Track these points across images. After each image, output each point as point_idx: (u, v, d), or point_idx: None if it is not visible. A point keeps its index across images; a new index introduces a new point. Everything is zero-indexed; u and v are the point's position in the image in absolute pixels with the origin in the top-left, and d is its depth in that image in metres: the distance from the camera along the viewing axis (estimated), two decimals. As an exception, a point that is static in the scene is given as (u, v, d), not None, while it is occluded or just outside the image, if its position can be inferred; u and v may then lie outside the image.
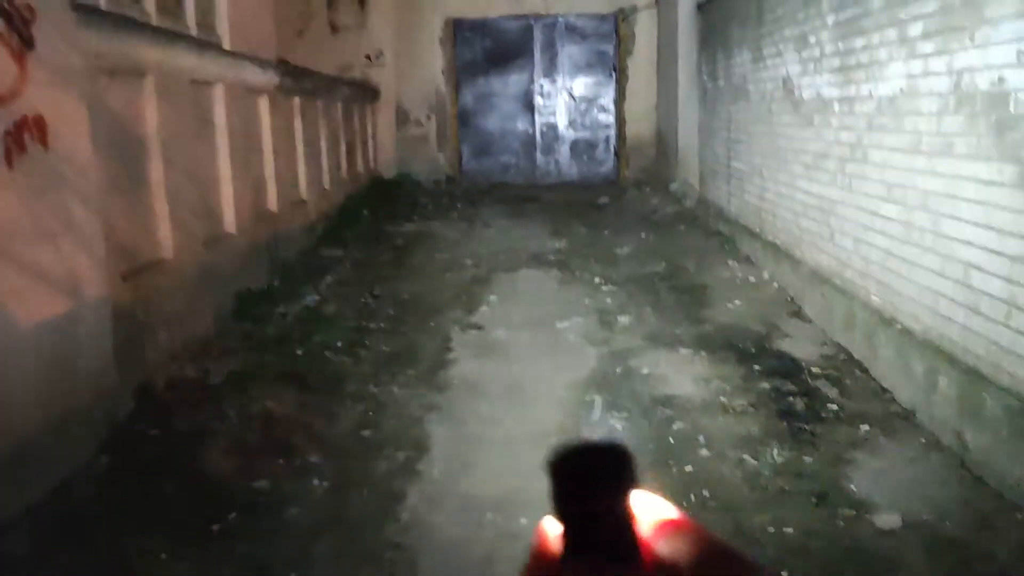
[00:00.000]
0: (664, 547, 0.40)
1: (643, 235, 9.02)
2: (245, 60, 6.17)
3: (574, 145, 13.65)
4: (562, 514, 0.41)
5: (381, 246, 8.80)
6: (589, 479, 0.40)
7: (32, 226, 3.39)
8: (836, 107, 5.34)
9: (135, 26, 4.49)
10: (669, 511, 0.42)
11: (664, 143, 12.28)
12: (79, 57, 3.82)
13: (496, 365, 5.05)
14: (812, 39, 5.82)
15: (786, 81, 6.46)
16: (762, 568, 0.39)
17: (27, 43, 3.40)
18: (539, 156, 13.70)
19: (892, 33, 4.45)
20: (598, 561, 0.41)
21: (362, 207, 10.25)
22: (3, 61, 3.24)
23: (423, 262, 8.03)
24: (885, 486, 3.47)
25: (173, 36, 4.97)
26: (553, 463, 0.41)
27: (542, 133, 13.63)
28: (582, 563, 0.41)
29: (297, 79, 7.74)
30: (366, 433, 4.09)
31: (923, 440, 3.85)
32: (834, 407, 4.22)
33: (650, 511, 0.42)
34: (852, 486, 3.47)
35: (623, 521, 0.41)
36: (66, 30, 3.68)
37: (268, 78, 6.74)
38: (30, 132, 3.41)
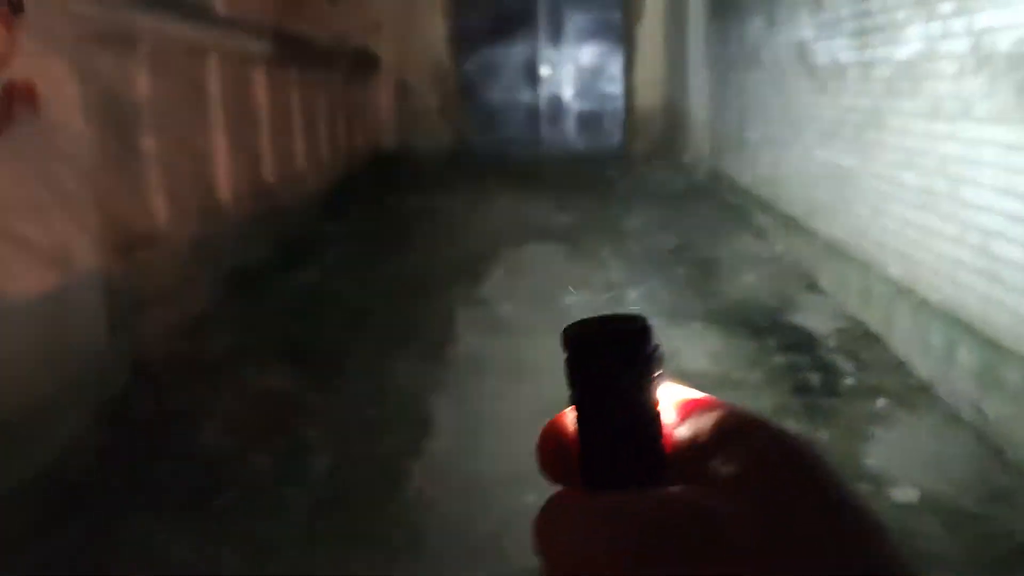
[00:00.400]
0: (685, 429, 0.36)
1: (652, 208, 8.88)
2: (240, 29, 6.02)
3: (580, 116, 13.45)
4: (579, 388, 0.36)
5: (382, 220, 8.68)
6: (608, 342, 0.36)
7: (22, 197, 3.30)
8: (852, 72, 5.18)
9: (126, -8, 4.35)
10: (694, 392, 0.38)
11: (674, 114, 12.09)
12: (70, 24, 3.71)
13: (502, 341, 4.95)
14: (827, 2, 5.65)
15: (800, 47, 6.28)
16: (793, 436, 0.33)
17: (15, 8, 3.29)
18: (544, 128, 13.51)
19: (911, -8, 4.29)
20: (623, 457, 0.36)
21: (362, 180, 10.12)
22: (-12, 26, 3.13)
23: (425, 237, 7.91)
24: (903, 460, 3.38)
25: (166, 3, 4.83)
26: (568, 330, 0.37)
27: (548, 104, 13.43)
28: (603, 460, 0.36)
29: (294, 49, 7.58)
30: (369, 411, 4.00)
31: (941, 413, 3.75)
32: (850, 381, 4.12)
33: (673, 396, 0.38)
34: (869, 460, 3.38)
35: (647, 408, 0.36)
36: (54, -6, 3.56)
37: (264, 47, 6.59)
38: (20, 100, 3.30)
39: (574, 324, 0.37)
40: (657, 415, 0.36)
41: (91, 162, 3.83)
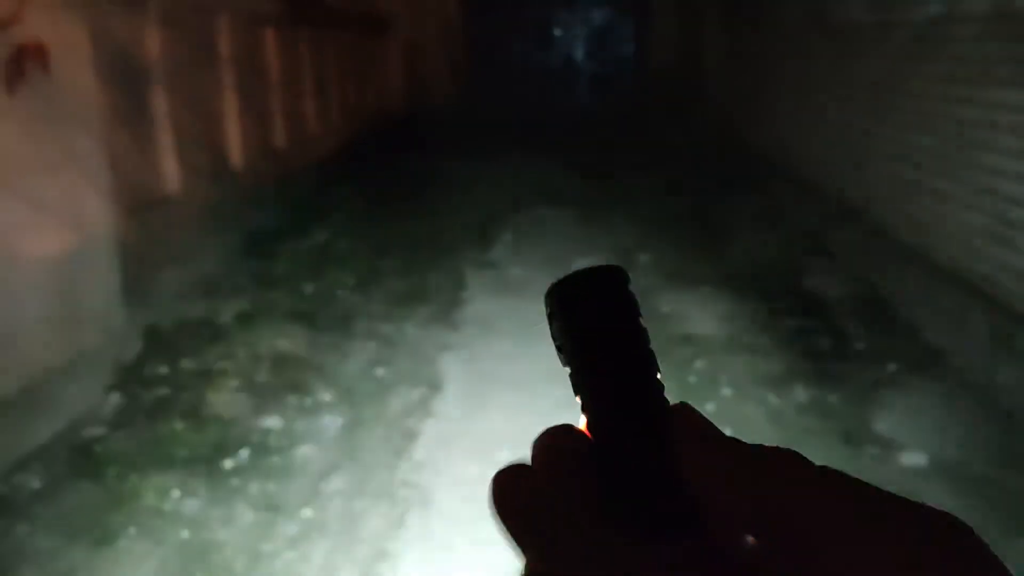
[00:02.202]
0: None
1: (663, 170, 8.81)
2: (251, -12, 5.96)
3: (593, 77, 13.34)
4: (564, 352, 0.35)
5: (393, 181, 8.64)
6: (587, 285, 0.35)
7: (34, 157, 3.29)
8: (869, 34, 5.10)
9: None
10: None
11: (687, 75, 11.96)
12: (77, -19, 3.67)
13: (511, 303, 4.95)
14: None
15: (818, 7, 6.19)
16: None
17: (23, -34, 3.26)
18: (556, 88, 13.39)
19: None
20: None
21: (373, 142, 10.06)
22: (-3, -16, 3.11)
23: (436, 199, 7.88)
24: (912, 425, 3.38)
25: (175, -39, 4.78)
26: (548, 289, 0.35)
27: (560, 65, 13.31)
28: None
29: (304, 9, 7.50)
30: (379, 372, 4.02)
31: (952, 379, 3.74)
32: (860, 346, 4.11)
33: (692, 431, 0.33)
34: (879, 425, 3.38)
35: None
36: (61, -49, 3.52)
37: (273, 7, 6.52)
38: (31, 59, 3.29)
39: (552, 284, 0.36)
40: (650, 353, 0.35)
41: (103, 122, 3.81)
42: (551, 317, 0.35)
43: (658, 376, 0.34)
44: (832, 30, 5.82)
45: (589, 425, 0.34)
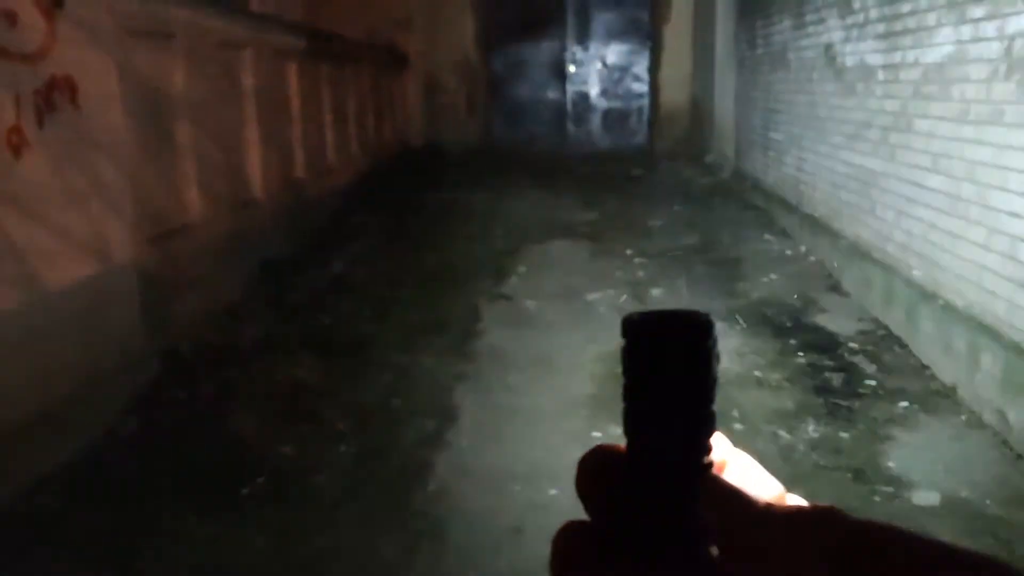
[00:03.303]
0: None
1: (677, 207, 8.88)
2: (273, 22, 6.10)
3: (606, 114, 13.46)
4: (631, 387, 0.35)
5: (409, 213, 8.74)
6: (667, 329, 0.35)
7: (61, 187, 3.38)
8: (880, 75, 5.17)
9: (164, -14, 4.43)
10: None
11: (699, 113, 12.07)
12: (108, 17, 3.79)
13: (525, 336, 4.99)
14: (856, 4, 5.63)
15: (828, 48, 6.27)
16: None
17: (56, 2, 3.37)
18: (570, 125, 13.54)
19: (942, -4, 4.28)
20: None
21: (390, 174, 10.18)
22: (33, 19, 3.21)
23: (451, 231, 7.96)
24: (924, 463, 3.38)
25: (202, -2, 4.92)
26: (627, 322, 0.35)
27: (574, 102, 13.45)
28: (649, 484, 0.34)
29: (325, 43, 7.66)
30: (394, 401, 4.06)
31: (964, 418, 3.75)
32: (872, 383, 4.12)
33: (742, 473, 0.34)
34: (890, 463, 3.38)
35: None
36: (94, -11, 3.64)
37: (296, 41, 6.67)
38: (60, 92, 3.38)
39: (635, 313, 0.36)
40: (711, 413, 0.35)
41: (128, 153, 3.91)
42: (623, 350, 0.35)
43: (708, 439, 0.34)
44: (843, 70, 5.89)
45: (626, 465, 0.35)
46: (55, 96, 3.36)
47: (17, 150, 3.10)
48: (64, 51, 3.40)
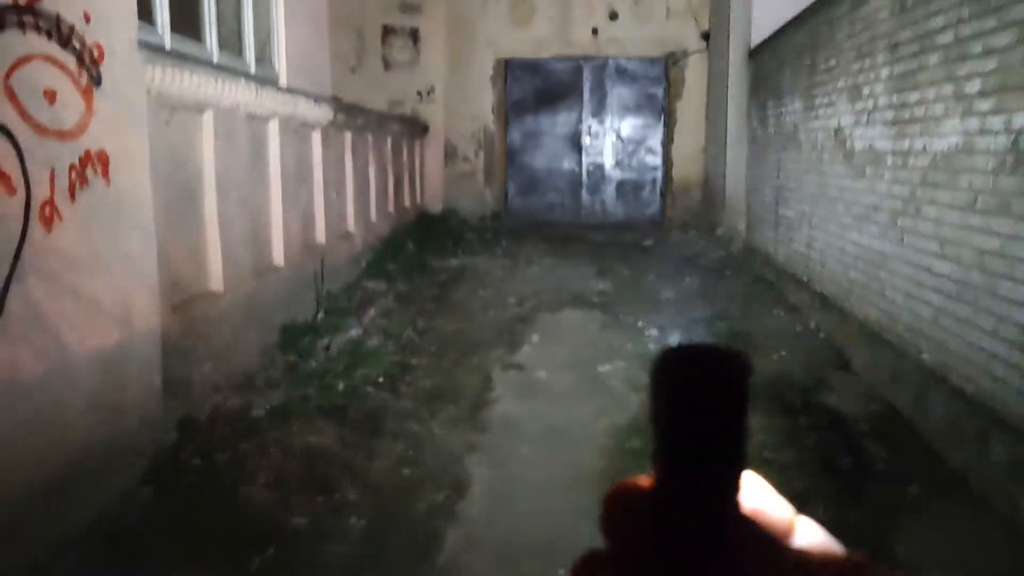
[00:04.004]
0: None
1: (688, 279, 8.97)
2: (300, 96, 6.30)
3: (620, 186, 13.68)
4: (663, 422, 0.34)
5: (425, 280, 8.86)
6: (701, 365, 0.33)
7: (90, 257, 3.47)
8: (889, 160, 5.28)
9: (197, 64, 4.61)
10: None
11: (711, 187, 12.24)
12: (143, 94, 3.94)
13: (537, 406, 5.04)
14: (866, 91, 5.78)
15: (838, 131, 6.42)
16: None
17: (95, 81, 3.52)
18: (585, 195, 13.75)
19: (949, 89, 4.41)
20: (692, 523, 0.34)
21: (408, 241, 10.34)
22: (72, 98, 3.36)
23: (466, 298, 8.06)
24: (933, 550, 3.38)
25: (233, 73, 5.10)
26: (663, 356, 0.34)
27: (589, 173, 13.69)
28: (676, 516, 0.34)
29: (350, 115, 7.88)
30: (406, 471, 4.09)
31: (973, 505, 3.75)
32: (881, 466, 4.13)
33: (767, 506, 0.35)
34: (899, 548, 3.38)
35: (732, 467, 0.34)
36: (132, 68, 3.80)
37: (322, 113, 6.87)
38: (93, 166, 3.50)
39: (671, 347, 0.35)
40: (746, 451, 0.34)
41: (155, 223, 4.03)
42: (653, 382, 0.34)
43: (739, 480, 0.34)
44: (852, 153, 6.01)
45: (656, 502, 0.34)
46: (88, 170, 3.47)
47: (49, 223, 3.20)
48: (99, 126, 3.53)
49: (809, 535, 0.37)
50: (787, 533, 0.36)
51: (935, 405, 4.37)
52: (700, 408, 0.33)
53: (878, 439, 4.46)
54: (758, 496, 0.36)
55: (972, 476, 3.89)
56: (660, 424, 0.34)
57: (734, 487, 0.34)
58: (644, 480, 0.35)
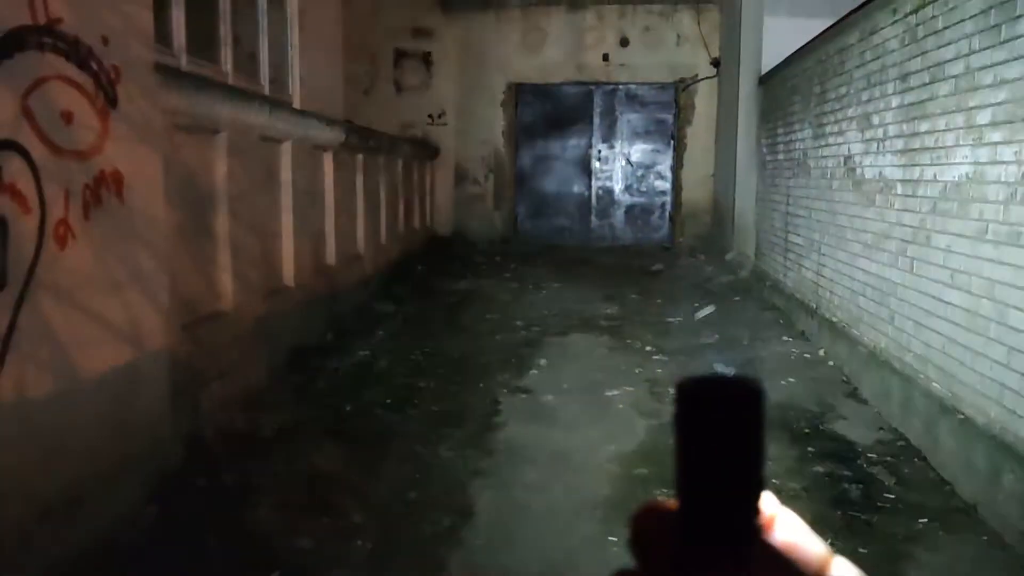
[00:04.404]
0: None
1: (696, 304, 8.95)
2: (313, 118, 6.35)
3: (630, 210, 13.72)
4: (685, 449, 0.36)
5: (434, 303, 8.87)
6: (721, 395, 0.35)
7: (102, 276, 3.49)
8: (899, 188, 5.28)
9: (212, 86, 4.66)
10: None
11: (720, 212, 12.25)
12: (158, 115, 3.97)
13: (544, 431, 5.02)
14: (876, 120, 5.79)
15: (848, 159, 6.43)
16: None
17: (111, 102, 3.55)
18: (594, 219, 13.79)
19: (959, 119, 4.41)
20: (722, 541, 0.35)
21: (417, 263, 10.37)
22: (88, 119, 3.39)
23: (474, 321, 8.06)
24: (944, 583, 3.34)
25: (247, 96, 5.15)
26: (683, 386, 0.36)
27: (598, 197, 13.74)
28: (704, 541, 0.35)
29: (361, 137, 7.93)
30: (412, 494, 4.08)
31: (985, 537, 3.71)
32: (891, 496, 4.10)
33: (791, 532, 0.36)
34: (909, 582, 3.35)
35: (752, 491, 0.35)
36: (148, 90, 3.84)
37: (334, 136, 6.92)
38: (107, 186, 3.53)
39: (689, 378, 0.36)
40: (763, 475, 0.35)
41: (167, 243, 4.05)
42: (677, 414, 0.36)
43: (758, 504, 0.35)
44: (862, 181, 6.02)
45: (679, 525, 0.35)
46: (103, 190, 3.49)
47: (63, 241, 3.22)
48: (114, 147, 3.56)
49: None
50: (820, 572, 0.37)
51: (946, 435, 4.34)
52: (718, 434, 0.34)
53: (888, 469, 4.43)
54: (792, 531, 0.37)
55: (984, 508, 3.85)
56: (681, 451, 0.35)
57: (754, 510, 0.35)
58: (671, 502, 0.36)
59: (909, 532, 3.75)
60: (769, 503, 0.37)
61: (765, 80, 9.96)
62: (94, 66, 3.42)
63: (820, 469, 4.40)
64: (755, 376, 0.35)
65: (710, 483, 0.35)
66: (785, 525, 0.37)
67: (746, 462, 0.35)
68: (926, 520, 3.85)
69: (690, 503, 0.35)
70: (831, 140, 6.93)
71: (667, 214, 13.64)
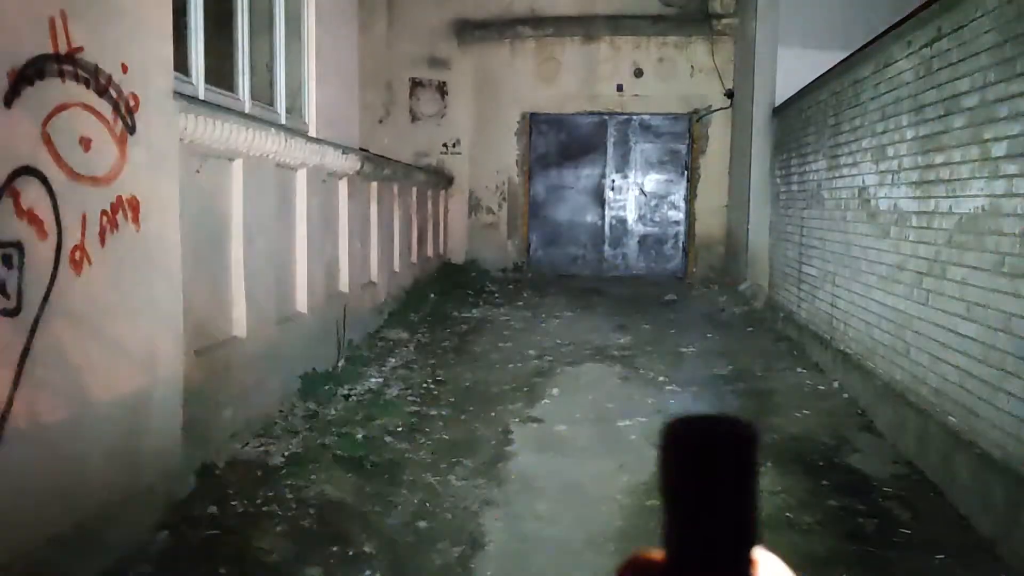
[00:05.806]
0: None
1: (709, 334, 8.91)
2: (328, 146, 6.40)
3: (643, 240, 13.72)
4: (674, 494, 0.33)
5: (446, 331, 8.87)
6: (714, 448, 0.33)
7: (117, 302, 3.51)
8: (914, 220, 5.27)
9: (229, 114, 4.70)
10: None
11: (734, 242, 12.24)
12: (175, 142, 4.02)
13: (555, 461, 4.99)
14: (891, 151, 5.79)
15: (862, 191, 6.42)
16: None
17: (130, 129, 3.60)
18: (607, 249, 13.80)
19: (975, 151, 4.41)
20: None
21: (430, 291, 10.39)
22: (106, 146, 3.43)
23: (487, 350, 8.05)
24: (962, 622, 3.28)
25: (263, 123, 5.19)
26: (672, 428, 0.33)
27: (611, 226, 13.75)
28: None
29: (376, 165, 7.99)
30: (422, 524, 4.05)
31: (1004, 575, 3.64)
32: (907, 531, 4.04)
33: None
34: (926, 621, 3.29)
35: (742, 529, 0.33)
36: (166, 117, 3.89)
37: (349, 164, 6.97)
38: (124, 212, 3.56)
39: (678, 419, 0.34)
40: (757, 521, 0.34)
41: (182, 269, 4.07)
42: (664, 455, 0.34)
43: (751, 551, 0.33)
44: (877, 213, 6.00)
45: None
46: (119, 216, 3.52)
47: (79, 267, 3.25)
48: (132, 173, 3.59)
49: None
50: None
51: (962, 469, 4.28)
52: (706, 477, 0.33)
53: (903, 503, 4.37)
54: None
55: (1002, 544, 3.79)
56: (668, 494, 0.34)
57: (746, 560, 0.33)
58: (656, 553, 0.35)
59: (926, 568, 3.69)
60: (759, 553, 0.36)
61: (779, 111, 9.98)
62: (113, 94, 3.46)
63: (835, 503, 4.35)
64: (748, 419, 0.33)
65: (696, 534, 0.33)
66: (768, 569, 0.35)
67: (736, 511, 0.33)
68: (943, 556, 3.79)
69: (675, 555, 0.34)
70: (845, 172, 6.93)
71: (680, 244, 13.65)
